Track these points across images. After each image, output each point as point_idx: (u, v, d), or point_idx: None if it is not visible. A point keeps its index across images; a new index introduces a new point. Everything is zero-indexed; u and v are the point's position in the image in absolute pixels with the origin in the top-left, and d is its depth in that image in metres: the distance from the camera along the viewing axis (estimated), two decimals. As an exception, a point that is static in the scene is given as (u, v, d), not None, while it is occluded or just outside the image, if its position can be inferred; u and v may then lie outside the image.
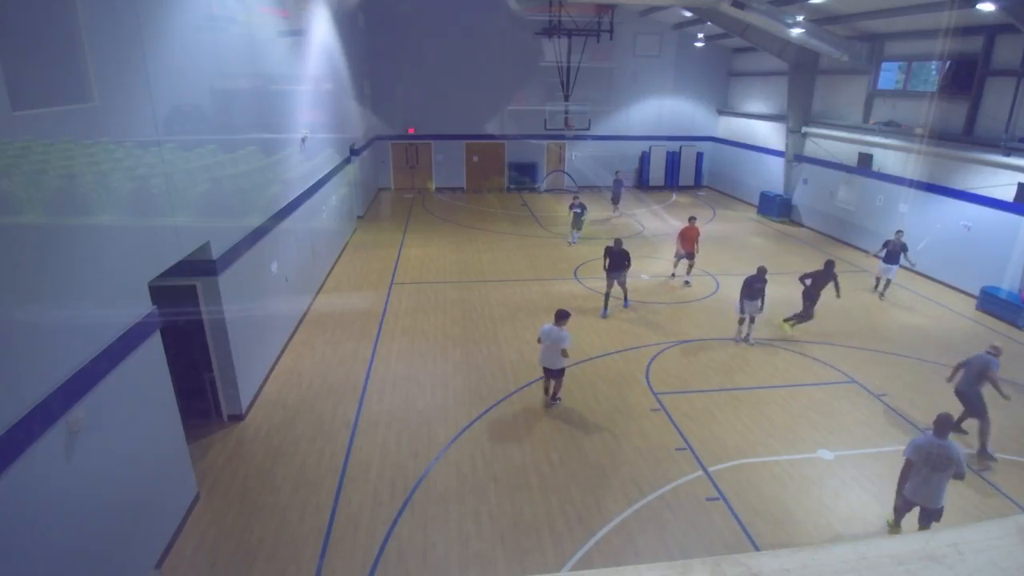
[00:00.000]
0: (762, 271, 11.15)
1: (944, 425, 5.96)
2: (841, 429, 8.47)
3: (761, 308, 11.15)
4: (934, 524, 6.11)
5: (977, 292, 13.34)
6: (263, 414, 8.61)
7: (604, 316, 12.33)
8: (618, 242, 12.27)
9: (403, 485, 7.16)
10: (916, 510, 6.21)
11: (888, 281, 13.74)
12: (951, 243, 14.45)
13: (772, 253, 17.47)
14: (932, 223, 15.07)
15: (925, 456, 5.91)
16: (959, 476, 5.92)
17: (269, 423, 8.40)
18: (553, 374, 8.68)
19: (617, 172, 22.49)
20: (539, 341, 8.71)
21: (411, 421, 8.49)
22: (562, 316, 8.54)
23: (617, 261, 12.15)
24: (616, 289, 12.56)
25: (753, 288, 10.98)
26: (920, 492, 6.04)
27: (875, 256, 13.85)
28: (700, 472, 7.50)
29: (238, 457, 7.65)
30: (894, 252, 13.35)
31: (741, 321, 11.33)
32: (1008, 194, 12.85)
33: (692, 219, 14.64)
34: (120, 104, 5.59)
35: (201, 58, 7.55)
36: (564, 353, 8.45)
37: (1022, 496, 7.17)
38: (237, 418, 8.39)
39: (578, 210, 17.55)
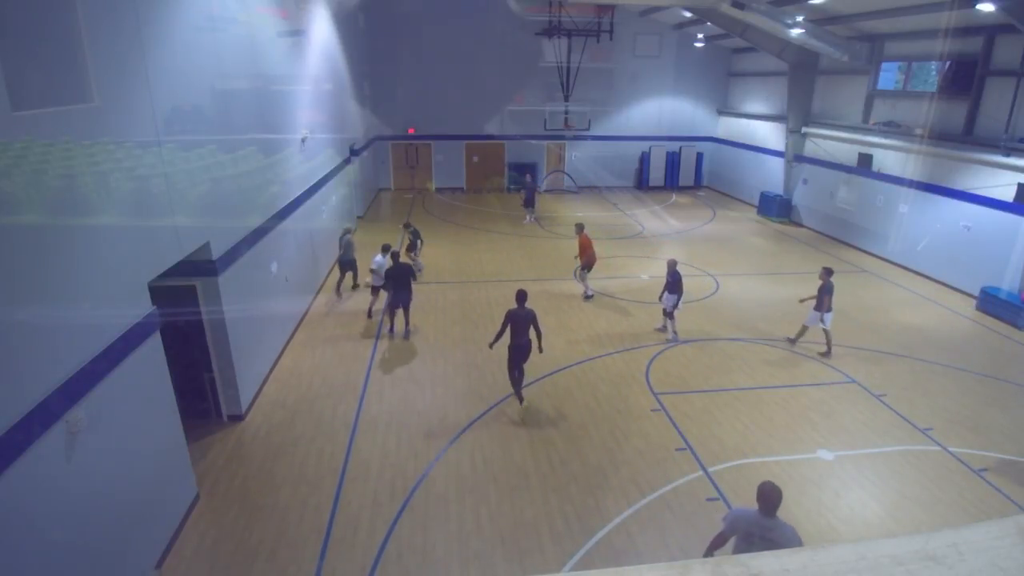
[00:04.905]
0: (672, 264, 10.70)
1: (769, 500, 4.49)
2: (841, 429, 8.47)
3: (675, 305, 10.69)
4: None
5: (977, 292, 13.34)
6: (263, 414, 8.61)
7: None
8: (521, 296, 8.62)
9: (403, 485, 7.16)
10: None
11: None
12: (951, 243, 14.45)
13: (772, 253, 17.49)
14: (932, 223, 15.07)
15: (745, 534, 4.60)
16: None
17: (269, 423, 8.40)
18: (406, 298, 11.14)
19: (527, 174, 21.42)
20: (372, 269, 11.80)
21: (411, 421, 8.49)
22: (393, 253, 11.28)
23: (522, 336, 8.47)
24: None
25: (666, 281, 10.60)
26: None
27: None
28: (700, 472, 7.50)
29: (238, 457, 7.65)
30: None
31: (665, 312, 11.02)
32: (1008, 194, 12.86)
33: (580, 227, 13.27)
34: (120, 104, 5.59)
35: (201, 58, 7.55)
36: (415, 275, 11.55)
37: (1022, 496, 7.17)
38: (237, 418, 8.39)
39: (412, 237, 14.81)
